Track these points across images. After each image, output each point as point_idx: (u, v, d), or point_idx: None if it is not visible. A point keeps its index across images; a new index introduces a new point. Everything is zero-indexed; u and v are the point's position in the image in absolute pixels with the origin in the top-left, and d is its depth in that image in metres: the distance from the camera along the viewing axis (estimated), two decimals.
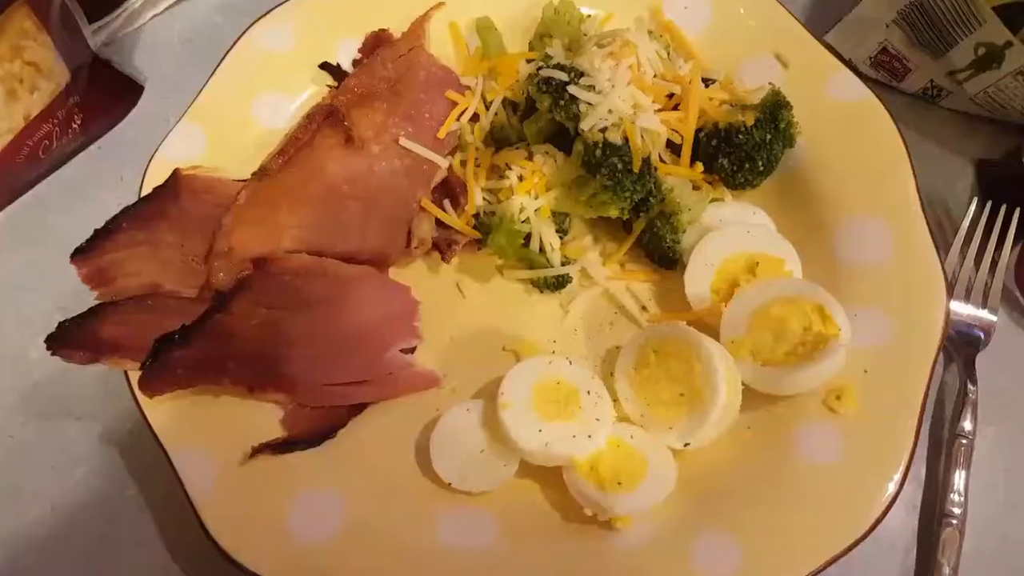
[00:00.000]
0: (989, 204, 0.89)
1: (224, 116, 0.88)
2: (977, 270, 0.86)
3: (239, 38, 0.90)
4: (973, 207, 0.89)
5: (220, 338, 0.73)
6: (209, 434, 0.73)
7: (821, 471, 0.72)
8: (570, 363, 0.77)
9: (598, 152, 0.76)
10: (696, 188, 0.84)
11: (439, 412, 0.77)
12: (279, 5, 0.93)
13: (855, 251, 0.81)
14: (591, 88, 0.77)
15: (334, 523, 0.71)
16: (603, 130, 0.77)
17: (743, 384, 0.74)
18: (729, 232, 0.82)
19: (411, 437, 0.78)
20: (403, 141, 0.86)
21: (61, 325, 0.72)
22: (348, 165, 0.83)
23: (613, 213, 0.80)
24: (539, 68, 0.80)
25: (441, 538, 0.72)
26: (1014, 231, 0.87)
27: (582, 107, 0.77)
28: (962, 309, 0.85)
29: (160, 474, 0.73)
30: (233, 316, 0.73)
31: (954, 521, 0.76)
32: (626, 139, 0.77)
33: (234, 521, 0.69)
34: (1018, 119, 0.92)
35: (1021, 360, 0.85)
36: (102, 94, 0.97)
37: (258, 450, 0.72)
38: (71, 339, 0.71)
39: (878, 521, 0.69)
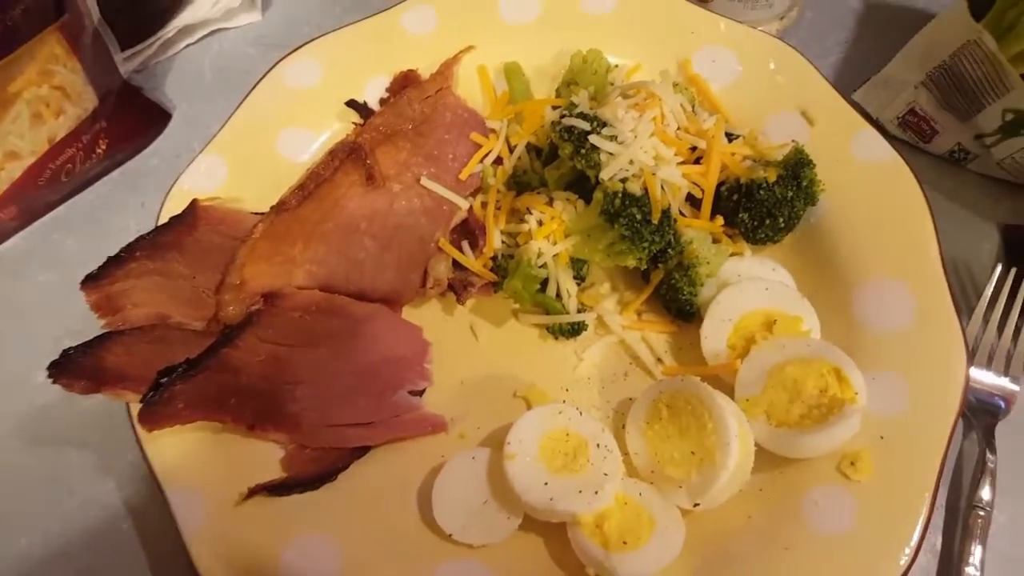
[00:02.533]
0: (1013, 271, 0.86)
1: (247, 149, 0.88)
2: (1000, 337, 0.83)
3: (267, 73, 0.91)
4: (997, 272, 0.86)
5: (224, 373, 0.71)
6: (206, 471, 0.71)
7: (833, 539, 0.69)
8: (580, 414, 0.75)
9: (617, 202, 0.75)
10: (716, 242, 0.83)
11: (444, 458, 0.75)
12: (310, 41, 0.93)
13: (875, 314, 0.79)
14: (613, 138, 0.76)
15: (329, 569, 0.68)
16: (623, 180, 0.76)
17: (756, 445, 0.72)
18: (747, 287, 0.80)
19: (414, 483, 0.76)
20: (424, 181, 0.85)
21: (65, 353, 0.71)
22: (368, 203, 0.82)
23: (631, 263, 0.78)
24: (562, 116, 0.79)
25: None
26: None
27: (603, 156, 0.76)
28: (983, 377, 0.82)
29: (155, 509, 0.72)
30: (239, 351, 0.72)
31: None
32: (645, 190, 0.76)
33: (226, 562, 0.67)
34: None
35: None
36: (129, 120, 0.97)
37: (254, 491, 0.70)
38: (74, 368, 0.69)
39: None
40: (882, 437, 0.73)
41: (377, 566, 0.69)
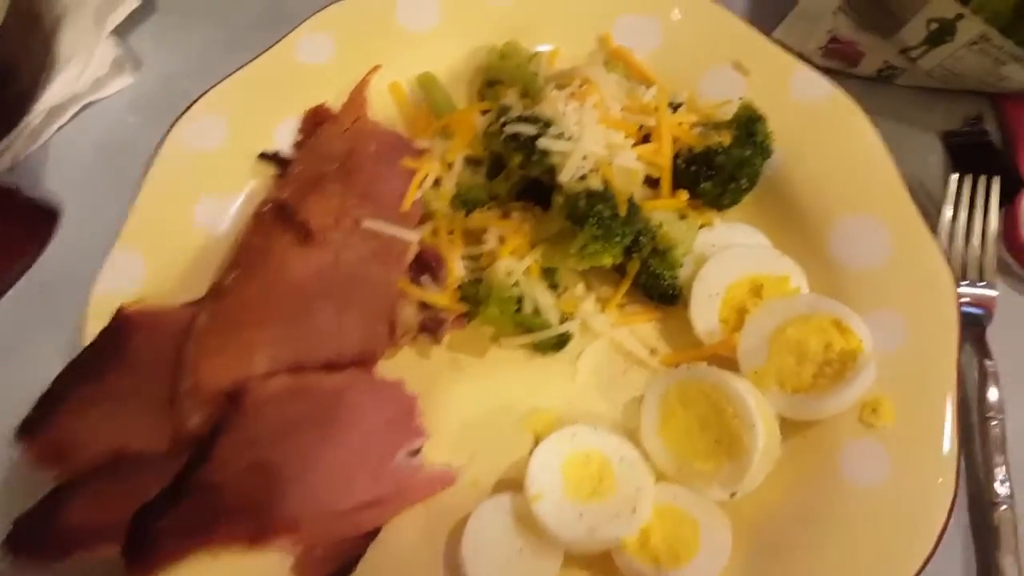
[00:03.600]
0: (968, 177, 0.86)
1: (162, 233, 0.79)
2: (967, 246, 0.83)
3: (161, 142, 0.81)
4: (953, 183, 0.86)
5: (206, 493, 0.63)
6: None
7: (876, 492, 0.68)
8: (594, 429, 0.71)
9: (582, 203, 0.71)
10: (682, 217, 0.79)
11: (462, 512, 0.70)
12: (201, 96, 0.83)
13: (853, 253, 0.77)
14: (561, 136, 0.71)
15: None
16: (582, 178, 0.71)
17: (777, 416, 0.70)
18: (726, 257, 0.77)
19: (439, 550, 0.70)
20: (366, 223, 0.78)
21: (18, 522, 0.61)
22: (311, 263, 0.74)
23: (607, 261, 0.74)
24: (503, 123, 0.73)
25: None
26: (997, 199, 0.84)
27: (556, 158, 0.71)
28: (963, 290, 0.81)
29: None
30: (216, 465, 0.64)
31: (1004, 506, 0.72)
32: (606, 183, 0.72)
33: None
34: (976, 87, 0.90)
35: None
36: (13, 228, 0.86)
37: None
38: (33, 538, 0.60)
39: (946, 525, 0.66)
40: (893, 378, 0.71)
41: None
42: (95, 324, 0.71)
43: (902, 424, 0.70)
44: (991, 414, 0.76)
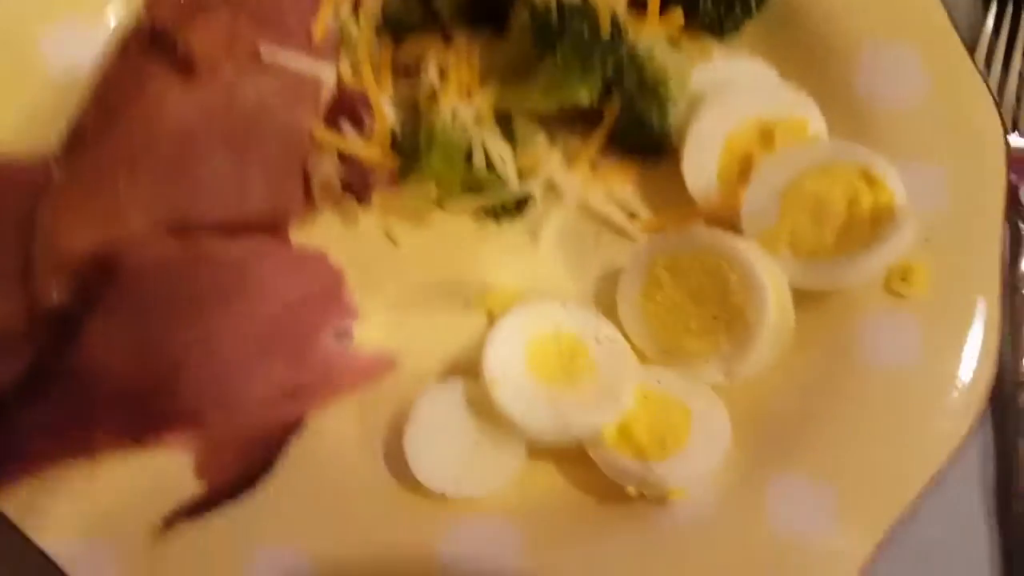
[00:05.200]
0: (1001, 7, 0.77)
1: (2, 72, 0.68)
2: (1002, 93, 0.75)
3: None
4: (991, 19, 0.76)
5: (78, 378, 0.56)
6: (99, 514, 0.57)
7: (901, 372, 0.62)
8: (563, 306, 0.64)
9: (552, 18, 0.60)
10: (675, 46, 0.69)
11: (404, 403, 0.63)
12: None
13: (883, 90, 0.68)
14: None
15: None
16: None
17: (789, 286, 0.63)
18: (728, 96, 0.67)
19: (377, 446, 0.64)
20: (265, 53, 0.66)
21: None
22: (196, 101, 0.64)
23: (583, 98, 0.64)
24: None
25: (453, 567, 0.59)
26: None
27: None
28: None
29: None
30: (88, 348, 0.56)
31: None
32: None
33: None
34: None
35: None
36: None
37: (171, 520, 0.56)
38: None
39: (979, 414, 0.60)
40: (927, 239, 0.64)
41: (363, 563, 0.58)
42: None
43: (937, 295, 0.63)
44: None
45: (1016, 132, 0.75)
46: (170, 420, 0.57)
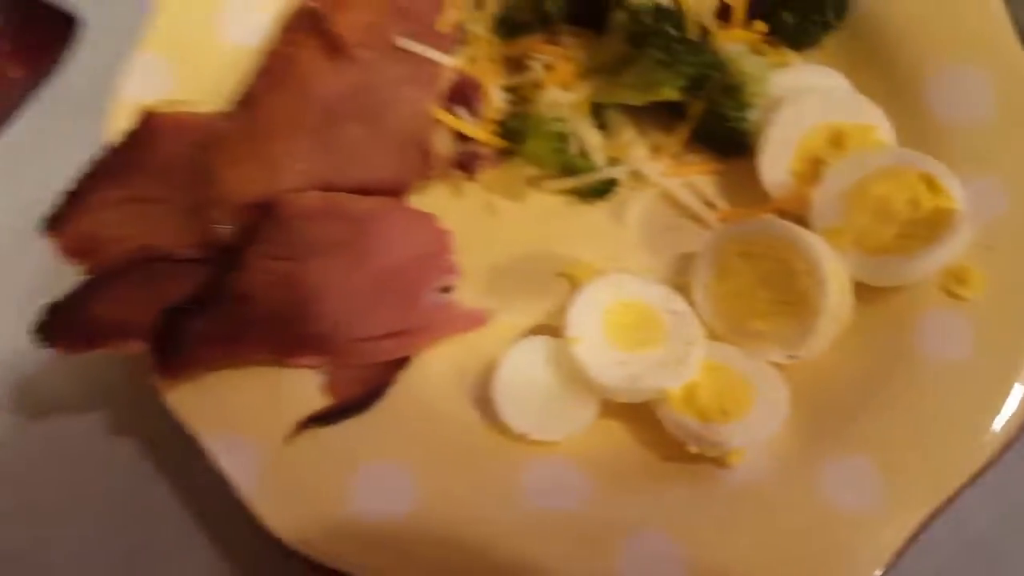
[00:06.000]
0: None
1: (187, 40, 0.75)
2: None
3: None
4: None
5: (237, 301, 0.64)
6: (244, 413, 0.64)
7: (954, 367, 0.64)
8: (642, 280, 0.68)
9: (647, 19, 0.66)
10: (757, 53, 0.73)
11: (494, 354, 0.68)
12: None
13: (950, 107, 0.71)
14: None
15: (405, 498, 0.62)
16: None
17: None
18: (804, 101, 0.71)
19: (470, 389, 0.69)
20: (400, 42, 0.73)
21: (51, 310, 0.62)
22: (341, 80, 0.71)
23: (669, 94, 0.69)
24: None
25: (528, 501, 0.63)
26: None
27: None
28: None
29: (193, 465, 0.64)
30: (246, 274, 0.64)
31: None
32: (676, 1, 0.66)
33: (289, 508, 0.61)
34: None
35: None
36: (37, 34, 0.84)
37: (304, 424, 0.64)
38: (64, 326, 0.61)
39: None
40: (987, 247, 0.66)
41: (452, 484, 0.64)
42: (119, 126, 0.70)
43: (991, 298, 0.65)
44: None
45: None
46: (304, 344, 0.65)
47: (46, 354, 0.63)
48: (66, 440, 0.73)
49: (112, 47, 0.77)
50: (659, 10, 0.65)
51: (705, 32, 0.68)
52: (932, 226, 0.64)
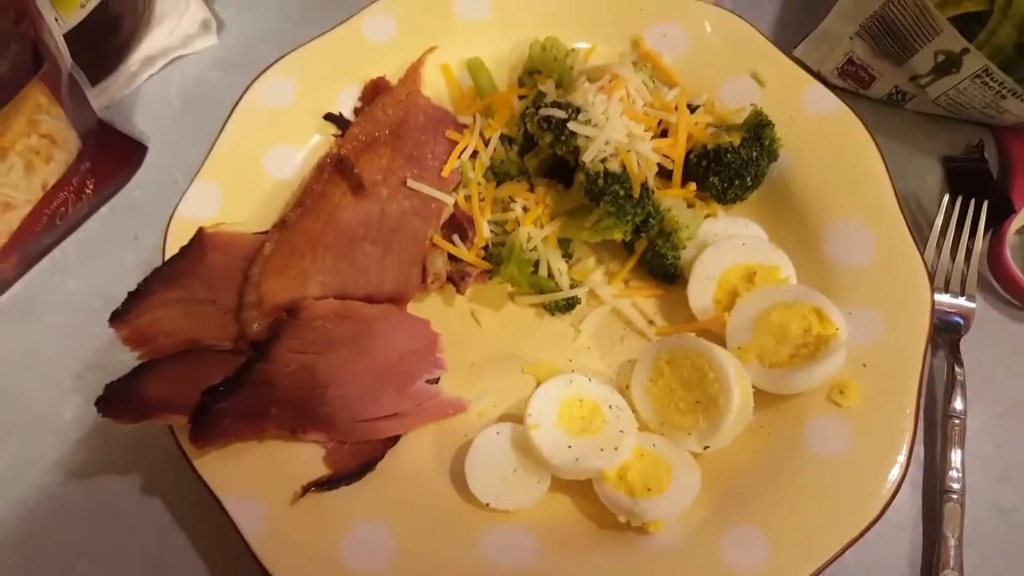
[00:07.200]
0: (959, 199, 0.95)
1: (236, 172, 0.92)
2: (953, 261, 0.92)
3: (241, 97, 0.94)
4: (945, 203, 0.95)
5: (262, 386, 0.77)
6: (258, 478, 0.77)
7: (833, 461, 0.76)
8: (589, 380, 0.82)
9: (600, 182, 0.82)
10: (690, 206, 0.90)
11: (469, 436, 0.82)
12: (277, 61, 0.97)
13: (842, 254, 0.86)
14: (588, 122, 0.83)
15: (386, 552, 0.75)
16: (603, 160, 0.83)
17: (753, 387, 0.80)
18: (725, 245, 0.87)
19: (446, 462, 0.82)
20: (410, 183, 0.90)
21: (109, 388, 0.75)
22: (361, 211, 0.88)
23: (617, 236, 0.85)
24: (538, 107, 0.85)
25: (486, 557, 0.76)
26: (984, 222, 0.94)
27: (581, 141, 0.83)
28: (943, 299, 0.90)
29: (208, 521, 0.77)
30: (272, 364, 0.77)
31: (954, 496, 0.81)
32: (624, 167, 0.83)
33: (290, 558, 0.73)
34: (978, 117, 1.00)
35: (1001, 341, 0.92)
36: (111, 157, 1.00)
37: (307, 488, 0.76)
38: (119, 400, 0.74)
39: (889, 502, 0.74)
40: (864, 365, 0.80)
41: (425, 541, 0.76)
42: (175, 239, 0.86)
43: (865, 406, 0.78)
44: (954, 415, 0.86)
45: (965, 295, 0.90)
46: (314, 423, 0.77)
47: (103, 421, 0.76)
48: (108, 494, 0.85)
49: (170, 176, 0.94)
50: (608, 174, 0.81)
51: (647, 189, 0.84)
52: (819, 348, 0.78)
